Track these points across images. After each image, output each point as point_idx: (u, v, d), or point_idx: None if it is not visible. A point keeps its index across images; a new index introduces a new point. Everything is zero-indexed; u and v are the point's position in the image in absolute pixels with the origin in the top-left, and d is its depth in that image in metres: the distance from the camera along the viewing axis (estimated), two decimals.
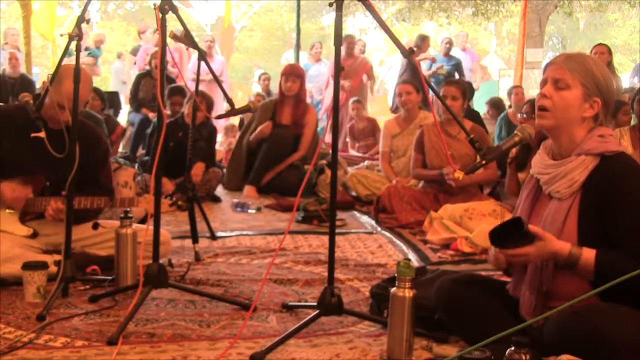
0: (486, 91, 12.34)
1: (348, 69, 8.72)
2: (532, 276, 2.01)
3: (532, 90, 10.00)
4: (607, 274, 1.78)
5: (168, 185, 4.93)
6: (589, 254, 1.88)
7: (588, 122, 2.01)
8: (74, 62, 2.63)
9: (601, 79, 1.99)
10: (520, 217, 1.96)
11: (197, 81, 3.57)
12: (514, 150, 4.23)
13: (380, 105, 11.65)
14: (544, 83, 2.04)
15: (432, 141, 4.66)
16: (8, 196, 2.88)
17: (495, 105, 8.40)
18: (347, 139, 8.00)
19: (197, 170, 5.24)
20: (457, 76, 9.38)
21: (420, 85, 5.90)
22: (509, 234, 1.92)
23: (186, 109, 5.44)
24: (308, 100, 7.81)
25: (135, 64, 10.16)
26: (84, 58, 9.10)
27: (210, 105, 5.60)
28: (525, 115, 4.10)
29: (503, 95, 12.52)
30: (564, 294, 1.93)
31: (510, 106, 8.14)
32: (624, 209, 1.90)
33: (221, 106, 9.48)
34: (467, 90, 4.76)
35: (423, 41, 9.39)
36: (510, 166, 4.21)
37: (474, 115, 6.26)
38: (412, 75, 8.26)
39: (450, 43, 9.72)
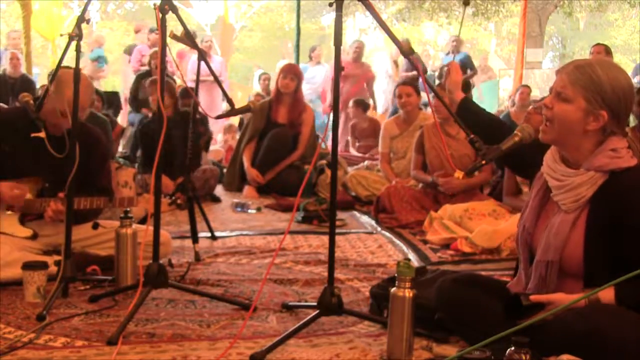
0: (486, 91, 12.35)
1: (350, 72, 8.70)
2: (537, 287, 2.00)
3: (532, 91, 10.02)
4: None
5: (166, 181, 4.91)
6: (607, 295, 1.85)
7: (594, 134, 1.94)
8: (79, 64, 2.63)
9: (609, 90, 1.90)
10: (520, 294, 1.93)
11: (197, 81, 3.57)
12: None
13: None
14: (551, 92, 2.00)
15: (432, 141, 4.66)
16: (6, 195, 2.88)
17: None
18: (349, 137, 7.99)
19: (166, 181, 4.96)
20: (468, 70, 9.41)
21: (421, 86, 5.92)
22: (517, 308, 1.91)
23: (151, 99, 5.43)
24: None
25: (129, 62, 10.16)
26: (93, 66, 9.12)
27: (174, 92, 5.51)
28: (536, 109, 4.11)
29: (503, 95, 12.55)
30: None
31: (513, 104, 8.16)
32: (635, 227, 1.86)
33: (221, 106, 9.49)
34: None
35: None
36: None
37: None
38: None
39: (457, 41, 9.67)
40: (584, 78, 1.91)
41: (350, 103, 7.92)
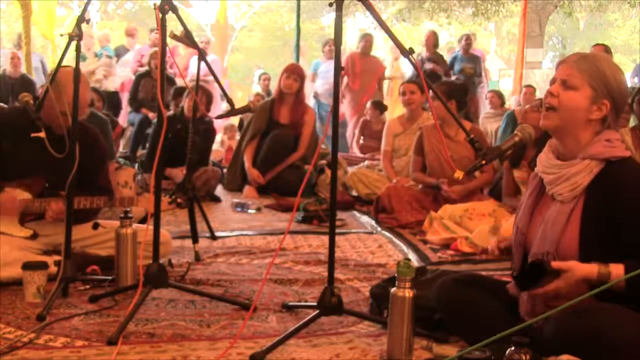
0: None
1: (364, 68, 8.66)
2: None
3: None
4: (638, 285, 1.80)
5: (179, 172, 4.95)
6: (617, 270, 1.85)
7: (594, 125, 1.98)
8: (79, 64, 2.62)
9: (612, 81, 1.95)
10: (544, 260, 1.92)
11: (197, 81, 3.58)
12: None
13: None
14: (553, 82, 2.02)
15: (432, 143, 4.65)
16: (8, 207, 2.88)
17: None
18: (356, 131, 7.94)
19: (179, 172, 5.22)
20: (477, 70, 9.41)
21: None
22: (533, 276, 1.91)
23: (186, 103, 5.43)
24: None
25: (117, 62, 10.13)
26: (102, 60, 9.01)
27: (209, 100, 5.57)
28: (532, 107, 4.12)
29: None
30: None
31: (519, 104, 8.16)
32: (631, 215, 1.88)
33: (221, 106, 9.48)
34: (455, 90, 4.72)
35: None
36: (506, 162, 4.20)
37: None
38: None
39: (469, 39, 9.58)
40: (590, 67, 1.96)
41: (368, 104, 7.88)
